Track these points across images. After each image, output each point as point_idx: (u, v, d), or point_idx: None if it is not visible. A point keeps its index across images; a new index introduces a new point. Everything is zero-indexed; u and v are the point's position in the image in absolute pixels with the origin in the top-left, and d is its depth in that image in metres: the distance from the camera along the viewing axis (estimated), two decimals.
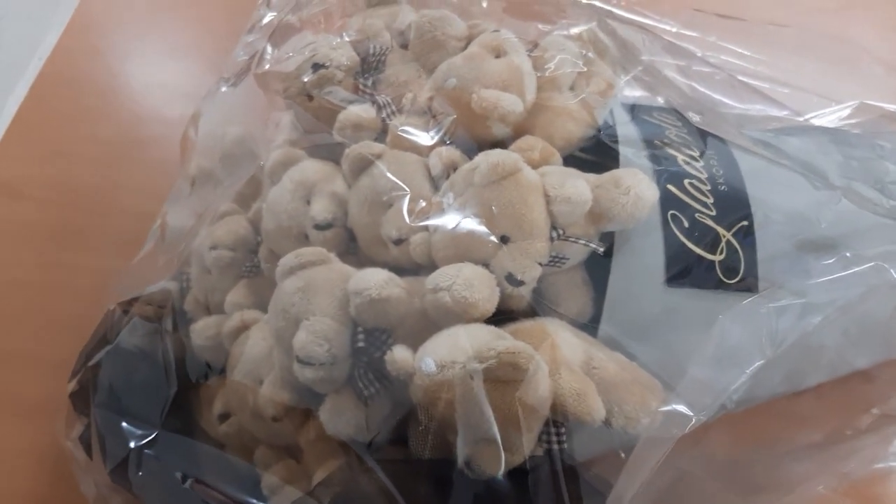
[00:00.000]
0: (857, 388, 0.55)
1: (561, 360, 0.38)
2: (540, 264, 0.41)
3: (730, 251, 0.47)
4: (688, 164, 0.49)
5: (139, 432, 0.42)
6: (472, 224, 0.40)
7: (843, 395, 0.55)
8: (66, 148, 0.77)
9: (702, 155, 0.50)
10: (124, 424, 0.43)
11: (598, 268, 0.46)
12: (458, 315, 0.39)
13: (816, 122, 0.62)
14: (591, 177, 0.43)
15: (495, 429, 0.35)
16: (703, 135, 0.52)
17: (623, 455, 0.41)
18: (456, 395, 0.35)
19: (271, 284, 0.51)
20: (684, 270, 0.45)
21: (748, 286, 0.46)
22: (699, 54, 0.59)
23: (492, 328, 0.38)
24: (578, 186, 0.40)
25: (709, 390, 0.37)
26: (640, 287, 0.45)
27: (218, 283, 0.52)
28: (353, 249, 0.49)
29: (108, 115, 0.79)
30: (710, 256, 0.46)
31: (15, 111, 0.79)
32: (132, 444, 0.42)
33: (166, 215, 0.56)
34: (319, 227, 0.47)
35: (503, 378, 0.34)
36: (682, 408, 0.36)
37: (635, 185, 0.41)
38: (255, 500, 0.41)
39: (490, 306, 0.39)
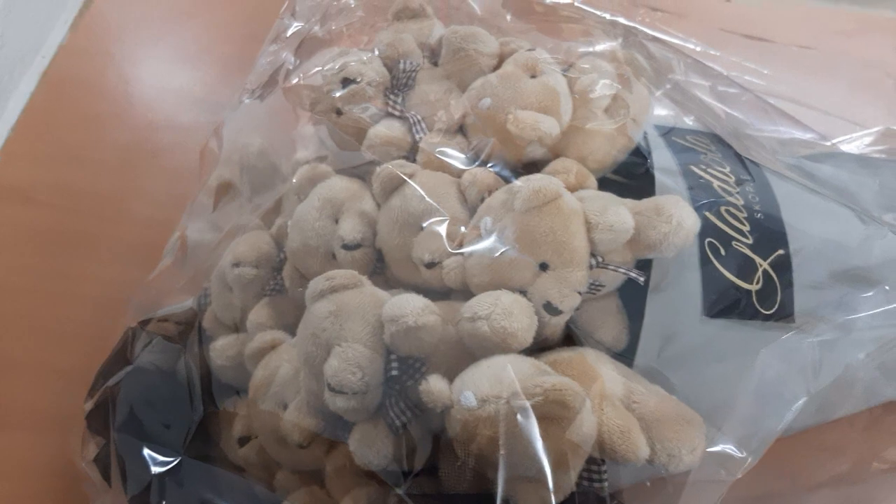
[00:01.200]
0: (885, 419, 0.54)
1: (604, 395, 0.37)
2: (579, 293, 0.40)
3: (766, 281, 0.46)
4: (724, 190, 0.48)
5: (161, 458, 0.41)
6: (510, 251, 0.39)
7: (870, 426, 0.54)
8: (75, 153, 0.75)
9: (737, 181, 0.49)
10: (146, 450, 0.41)
11: (632, 295, 0.45)
12: (495, 345, 0.38)
13: (843, 147, 0.62)
14: (630, 202, 0.42)
15: (541, 467, 0.33)
16: (737, 159, 0.51)
17: (648, 484, 0.40)
18: (500, 431, 0.34)
19: (294, 304, 0.50)
20: (721, 300, 0.44)
21: (784, 317, 0.45)
22: (725, 74, 0.58)
23: (533, 361, 0.37)
24: (621, 214, 0.39)
25: (756, 429, 0.35)
26: (677, 317, 0.44)
27: (239, 300, 0.51)
28: (380, 270, 0.47)
29: (119, 120, 0.78)
30: (746, 286, 0.45)
31: (20, 111, 0.77)
32: (154, 470, 0.40)
33: (186, 230, 0.55)
34: (348, 247, 0.46)
35: (549, 416, 0.33)
36: (731, 448, 0.35)
37: (677, 213, 0.40)
38: None
39: (529, 336, 0.38)
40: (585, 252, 0.39)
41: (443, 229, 0.41)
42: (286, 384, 0.45)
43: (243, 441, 0.48)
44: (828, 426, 0.53)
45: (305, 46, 0.60)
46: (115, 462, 0.42)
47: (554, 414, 0.33)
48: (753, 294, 0.45)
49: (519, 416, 0.33)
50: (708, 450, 0.36)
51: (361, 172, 0.50)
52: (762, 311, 0.45)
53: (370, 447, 0.40)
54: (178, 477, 0.40)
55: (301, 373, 0.43)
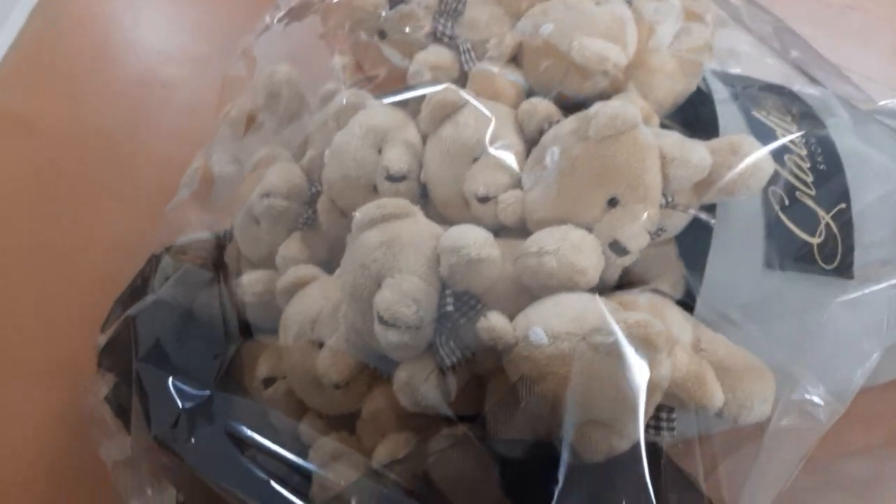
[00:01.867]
0: None
1: (675, 338, 0.34)
2: (648, 233, 0.37)
3: (828, 234, 0.44)
4: (786, 138, 0.45)
5: (190, 392, 0.38)
6: (579, 183, 0.36)
7: None
8: (82, 84, 0.71)
9: (799, 129, 0.47)
10: (173, 382, 0.38)
11: (690, 243, 0.42)
12: (560, 282, 0.35)
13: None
14: (704, 143, 0.39)
15: (615, 410, 0.31)
16: (798, 108, 0.49)
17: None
18: (573, 370, 0.31)
19: (328, 239, 0.47)
20: (784, 252, 0.42)
21: (845, 272, 0.43)
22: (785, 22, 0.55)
23: (604, 299, 0.35)
24: (699, 149, 0.37)
25: (836, 380, 0.33)
26: (739, 267, 0.41)
27: (267, 234, 0.48)
28: (423, 206, 0.44)
29: (129, 49, 0.73)
30: (809, 239, 0.43)
31: (15, 37, 0.72)
32: (183, 405, 0.37)
33: (209, 162, 0.51)
34: (393, 178, 0.43)
35: (626, 356, 0.31)
36: (818, 397, 0.33)
37: (754, 153, 0.38)
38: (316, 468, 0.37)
39: (597, 275, 0.36)
40: (659, 188, 0.37)
41: (505, 156, 0.38)
42: (322, 321, 0.42)
43: (269, 382, 0.45)
44: (859, 398, 0.51)
45: None
46: (137, 397, 0.39)
47: (637, 353, 0.31)
48: (815, 247, 0.43)
49: (597, 354, 0.31)
50: (792, 398, 0.33)
51: (402, 103, 0.47)
52: (823, 265, 0.43)
53: (417, 388, 0.37)
54: (208, 412, 0.37)
55: (341, 308, 0.41)
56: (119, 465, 0.48)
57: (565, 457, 0.33)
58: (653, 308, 0.36)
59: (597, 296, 0.35)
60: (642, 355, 0.31)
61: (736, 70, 0.53)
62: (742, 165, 0.37)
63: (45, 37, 0.73)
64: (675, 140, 0.37)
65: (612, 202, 0.37)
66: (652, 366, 0.31)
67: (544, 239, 0.35)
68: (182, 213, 0.51)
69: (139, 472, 0.44)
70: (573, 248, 0.35)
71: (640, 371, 0.31)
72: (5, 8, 0.76)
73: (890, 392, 0.52)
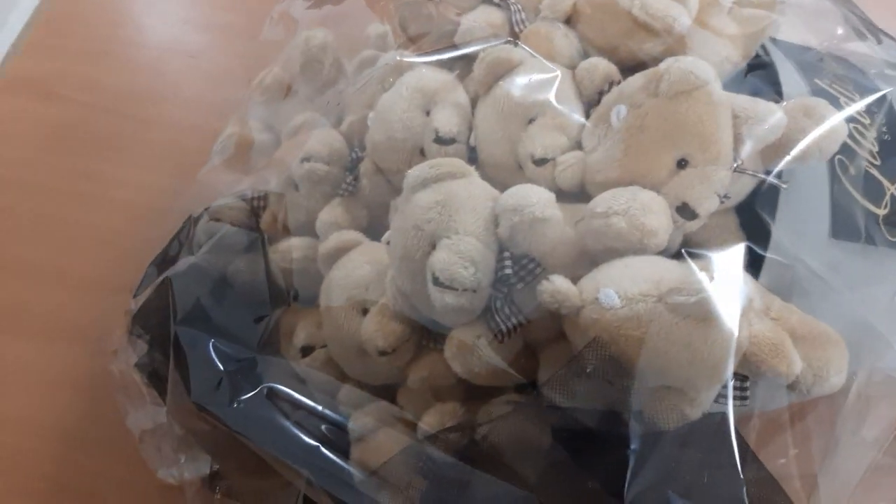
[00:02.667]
0: None
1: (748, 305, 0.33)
2: (718, 196, 0.35)
3: (893, 206, 0.42)
4: (850, 107, 0.44)
5: (232, 354, 0.36)
6: (648, 142, 0.35)
7: None
8: (103, 50, 0.69)
9: (862, 98, 0.45)
10: (213, 345, 0.36)
11: (751, 212, 0.40)
12: (629, 244, 0.33)
13: None
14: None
15: (689, 375, 0.29)
16: (859, 77, 0.47)
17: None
18: (648, 332, 0.30)
19: (369, 206, 0.46)
20: (850, 222, 0.40)
21: None
22: None
23: (677, 262, 0.33)
24: (772, 108, 0.35)
25: None
26: (804, 236, 0.40)
27: (305, 200, 0.46)
28: None
29: (152, 18, 0.71)
30: (875, 209, 0.41)
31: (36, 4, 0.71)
32: (225, 369, 0.36)
33: (245, 127, 0.50)
34: (442, 140, 0.41)
35: (709, 317, 0.29)
36: None
37: (830, 116, 0.36)
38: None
39: (666, 237, 0.34)
40: (731, 149, 0.35)
41: (568, 113, 0.37)
42: (367, 286, 0.40)
43: (306, 351, 0.43)
44: None
45: None
46: (175, 361, 0.37)
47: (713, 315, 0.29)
48: (881, 219, 0.41)
49: (675, 316, 0.29)
50: (878, 365, 0.32)
51: (448, 67, 0.45)
52: (889, 237, 0.41)
53: (471, 353, 0.35)
54: (252, 375, 0.36)
55: (389, 273, 0.39)
56: (147, 433, 0.46)
57: (635, 425, 0.31)
58: None
59: (665, 259, 0.33)
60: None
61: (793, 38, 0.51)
62: (819, 129, 0.35)
63: (68, 4, 0.72)
64: (747, 98, 0.36)
65: (682, 163, 0.35)
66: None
67: (612, 199, 0.34)
68: (214, 177, 0.49)
69: (172, 439, 0.42)
70: (643, 208, 0.33)
71: (722, 333, 0.29)
72: None
73: None
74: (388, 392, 0.43)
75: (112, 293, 0.50)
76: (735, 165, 0.36)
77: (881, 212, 0.42)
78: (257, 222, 0.47)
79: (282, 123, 0.52)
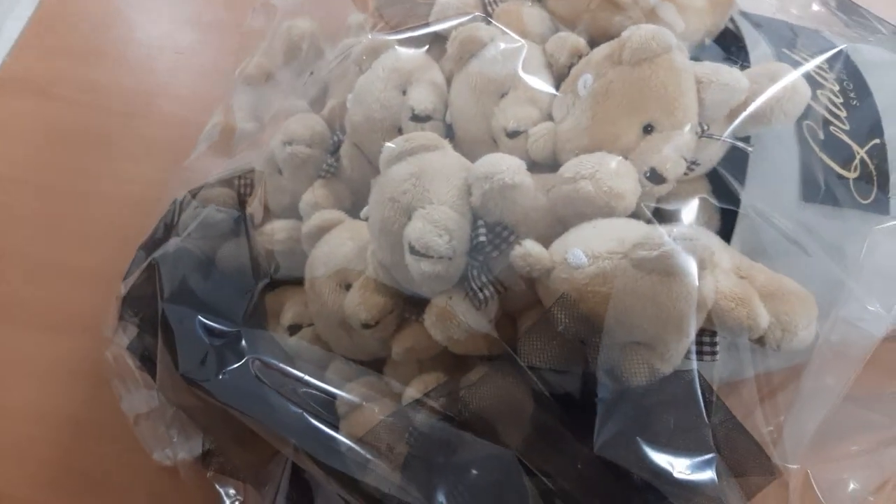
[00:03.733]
0: None
1: (715, 262, 0.33)
2: (685, 160, 0.36)
3: (863, 169, 0.43)
4: (819, 74, 0.45)
5: (218, 328, 0.37)
6: (614, 109, 0.36)
7: None
8: (96, 49, 0.70)
9: (831, 68, 0.46)
10: (200, 320, 0.37)
11: (722, 180, 0.41)
12: (598, 208, 0.34)
13: None
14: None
15: (657, 329, 0.30)
16: (827, 46, 0.48)
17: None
18: (615, 288, 0.30)
19: (352, 186, 0.47)
20: (819, 185, 0.41)
21: (881, 207, 0.43)
22: None
23: (641, 222, 0.34)
24: (735, 73, 0.36)
25: (882, 297, 0.33)
26: (775, 200, 0.41)
27: (289, 182, 0.47)
28: None
29: (144, 15, 0.73)
30: (845, 173, 0.42)
31: (36, 5, 0.72)
32: (211, 343, 0.37)
33: (229, 116, 0.51)
34: (418, 118, 0.42)
35: (671, 271, 0.30)
36: (874, 307, 0.32)
37: (792, 78, 0.37)
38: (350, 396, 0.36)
39: (634, 200, 0.35)
40: (695, 113, 0.36)
41: (537, 84, 0.38)
42: (349, 262, 0.41)
43: (294, 329, 0.44)
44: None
45: None
46: (163, 338, 0.38)
47: (678, 269, 0.30)
48: (851, 182, 0.42)
49: (639, 272, 0.30)
50: (841, 314, 0.33)
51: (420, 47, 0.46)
52: (859, 199, 0.42)
53: (451, 320, 0.36)
54: (237, 347, 0.37)
55: (370, 247, 0.40)
56: (142, 417, 0.47)
57: (604, 378, 0.32)
58: None
59: (632, 220, 0.34)
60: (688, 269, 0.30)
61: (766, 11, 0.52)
62: (778, 88, 0.36)
63: (63, 5, 0.73)
64: (709, 65, 0.36)
65: (648, 129, 0.36)
66: (699, 280, 0.30)
67: (580, 164, 0.35)
68: (201, 164, 0.50)
69: (164, 419, 0.43)
70: (610, 172, 0.34)
71: (685, 286, 0.30)
72: None
73: None
74: (375, 366, 0.44)
75: (108, 283, 0.51)
76: (703, 130, 0.37)
77: (851, 175, 0.42)
78: (242, 205, 0.48)
79: (265, 110, 0.53)
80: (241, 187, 0.51)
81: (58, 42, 0.70)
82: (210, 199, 0.44)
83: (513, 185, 0.34)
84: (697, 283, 0.30)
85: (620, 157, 0.35)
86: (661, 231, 0.31)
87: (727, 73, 0.36)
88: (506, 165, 0.34)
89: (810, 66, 0.41)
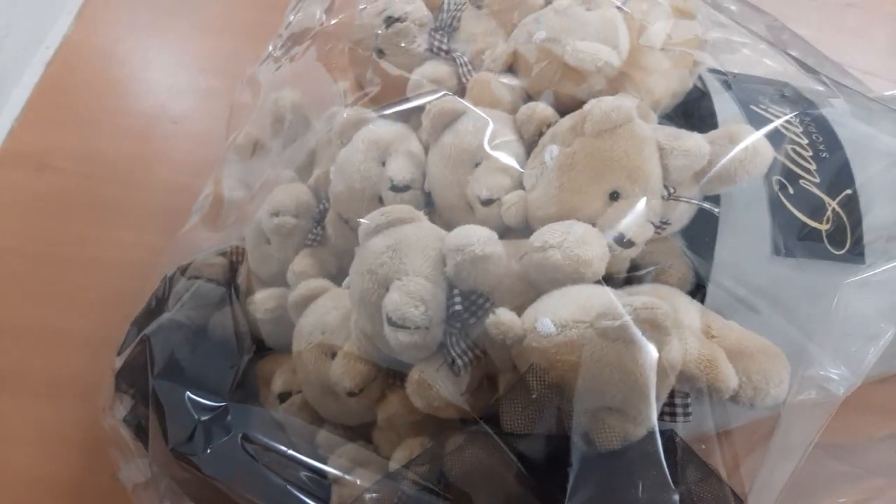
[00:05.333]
0: None
1: (684, 324, 0.34)
2: (652, 224, 0.37)
3: (836, 220, 0.44)
4: (787, 129, 0.46)
5: (206, 404, 0.38)
6: (580, 178, 0.37)
7: None
8: (94, 120, 0.73)
9: (800, 121, 0.47)
10: (189, 395, 0.38)
11: (696, 237, 0.42)
12: (567, 275, 0.35)
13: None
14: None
15: (626, 395, 0.31)
16: (796, 99, 0.49)
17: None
18: (582, 356, 0.31)
19: (337, 254, 0.48)
20: (791, 239, 0.42)
21: (856, 256, 0.43)
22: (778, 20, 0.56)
23: (610, 289, 0.35)
24: (696, 138, 0.37)
25: (849, 354, 0.33)
26: (746, 256, 0.42)
27: (277, 252, 0.48)
28: (428, 214, 0.45)
29: (139, 86, 0.75)
30: (817, 226, 0.43)
31: (37, 80, 0.75)
32: (199, 418, 0.38)
33: (219, 186, 0.53)
34: (397, 188, 0.43)
35: (634, 339, 0.31)
36: (833, 371, 0.32)
37: (752, 140, 0.38)
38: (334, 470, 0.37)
39: (603, 266, 0.36)
40: (659, 179, 0.37)
41: (503, 156, 0.39)
42: (334, 331, 0.42)
43: (284, 397, 0.45)
44: (878, 388, 0.51)
45: (337, 4, 0.58)
46: (154, 412, 0.40)
47: (644, 335, 0.31)
48: (824, 234, 0.43)
49: (604, 340, 0.31)
50: (808, 373, 0.33)
51: (403, 118, 0.48)
52: (833, 251, 0.43)
53: (430, 389, 0.37)
54: (224, 422, 0.38)
55: (352, 316, 0.41)
56: (139, 487, 0.48)
57: (578, 444, 0.32)
58: (659, 295, 0.36)
59: (601, 286, 0.35)
60: (650, 337, 0.30)
61: (734, 69, 0.54)
62: (737, 150, 0.38)
63: (64, 76, 0.76)
64: (671, 131, 0.38)
65: (614, 195, 0.37)
66: (660, 348, 0.31)
67: (548, 234, 0.36)
68: (193, 235, 0.52)
69: (158, 490, 0.44)
70: (577, 240, 0.35)
71: (648, 353, 0.31)
72: (27, 55, 0.79)
73: None
74: (364, 431, 0.44)
75: (107, 350, 0.52)
76: (669, 193, 0.39)
77: (823, 227, 0.43)
78: (233, 276, 0.49)
79: (255, 180, 0.55)
80: (233, 255, 0.52)
81: (54, 115, 0.73)
82: (203, 273, 0.45)
83: (483, 256, 0.35)
84: (659, 350, 0.30)
85: (588, 225, 0.36)
86: (624, 300, 0.32)
87: (688, 140, 0.37)
88: (476, 237, 0.36)
89: (777, 122, 0.43)
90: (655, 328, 0.31)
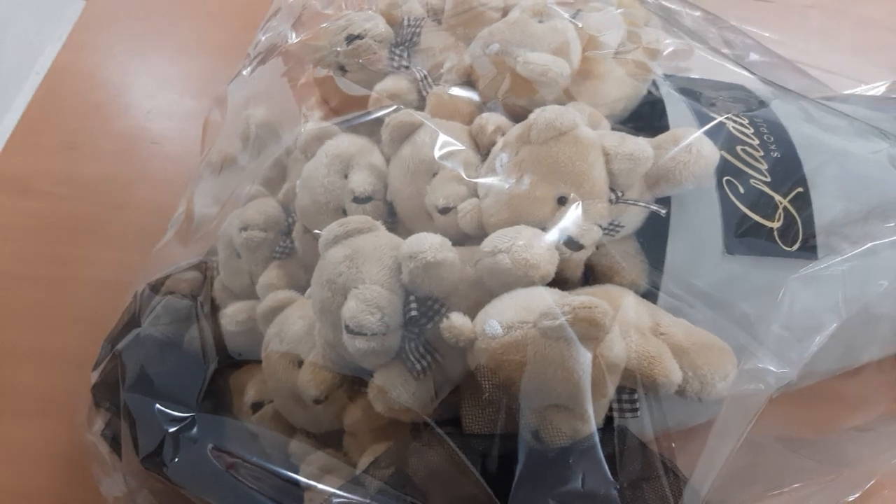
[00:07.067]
0: None
1: (631, 322, 0.35)
2: (600, 227, 0.39)
3: (787, 218, 0.45)
4: (738, 130, 0.47)
5: (175, 415, 0.39)
6: (527, 185, 0.38)
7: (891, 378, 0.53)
8: (77, 143, 0.74)
9: (751, 122, 0.48)
10: (158, 407, 0.40)
11: (650, 238, 0.44)
12: (517, 278, 0.36)
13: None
14: (646, 138, 0.41)
15: (571, 392, 0.32)
16: (748, 101, 0.50)
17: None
18: (527, 356, 0.33)
19: (305, 265, 0.49)
20: (743, 237, 0.43)
21: (807, 253, 0.45)
22: (736, 25, 0.58)
23: (557, 290, 0.36)
24: (640, 143, 0.39)
25: (791, 348, 0.34)
26: (698, 255, 0.43)
27: (248, 265, 0.50)
28: (391, 224, 0.46)
29: (120, 109, 0.77)
30: (767, 223, 0.44)
31: (25, 107, 0.77)
32: (167, 429, 0.39)
33: (191, 202, 0.54)
34: (359, 199, 0.45)
35: (579, 336, 0.32)
36: (769, 365, 0.34)
37: (696, 143, 0.40)
38: (300, 478, 0.38)
39: (551, 269, 0.37)
40: (605, 183, 0.39)
41: (457, 165, 0.40)
42: (300, 340, 0.43)
43: (256, 407, 0.46)
44: (848, 381, 0.52)
45: (304, 20, 0.59)
46: (126, 424, 0.41)
47: (583, 333, 0.32)
48: (775, 231, 0.44)
49: (547, 339, 0.32)
50: (744, 367, 0.34)
51: (367, 131, 0.49)
52: (784, 247, 0.44)
53: (389, 393, 0.38)
54: (192, 433, 0.39)
55: (316, 325, 0.42)
56: (120, 500, 0.49)
57: (530, 441, 0.33)
58: (607, 295, 0.37)
59: (548, 288, 0.36)
60: (589, 335, 0.32)
61: (692, 74, 0.55)
62: (677, 150, 0.39)
63: (47, 106, 0.78)
64: (617, 136, 0.39)
65: (562, 200, 0.39)
66: (598, 345, 0.32)
67: (497, 239, 0.37)
68: (168, 251, 0.53)
69: (136, 503, 0.45)
70: (525, 245, 0.36)
71: (587, 351, 0.32)
72: (18, 81, 0.81)
73: (875, 375, 0.53)
74: (335, 438, 0.45)
75: (89, 367, 0.53)
76: (617, 197, 0.40)
77: (774, 225, 0.44)
78: (210, 289, 0.50)
79: (225, 195, 0.56)
80: (207, 270, 0.54)
81: (36, 139, 0.74)
82: (176, 284, 0.47)
83: (435, 262, 0.36)
84: (598, 347, 0.32)
85: (536, 229, 0.38)
86: (564, 300, 0.33)
87: (631, 144, 0.38)
88: (428, 244, 0.37)
89: (724, 123, 0.44)
90: (593, 325, 0.32)
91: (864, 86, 0.65)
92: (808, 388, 0.48)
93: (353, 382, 0.42)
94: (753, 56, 0.60)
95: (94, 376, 0.47)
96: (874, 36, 0.75)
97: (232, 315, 0.48)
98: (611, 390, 0.34)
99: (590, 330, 0.32)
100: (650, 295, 0.42)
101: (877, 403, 0.52)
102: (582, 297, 0.33)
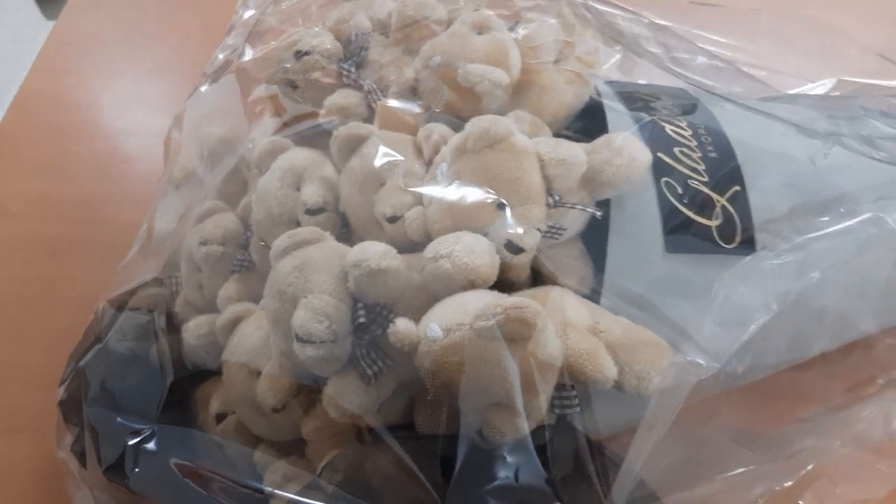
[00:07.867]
0: (859, 360, 0.54)
1: (567, 321, 0.37)
2: (539, 230, 0.40)
3: (725, 216, 0.46)
4: (676, 133, 0.49)
5: (135, 427, 0.41)
6: (467, 192, 0.40)
7: (845, 369, 0.54)
8: (49, 164, 0.76)
9: (689, 125, 0.50)
10: (119, 420, 0.41)
11: (595, 240, 0.45)
12: (459, 282, 0.38)
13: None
14: (583, 144, 0.43)
15: (508, 390, 0.34)
16: (688, 106, 0.52)
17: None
18: (465, 357, 0.34)
19: (263, 278, 0.50)
20: (682, 236, 0.45)
21: (746, 250, 0.46)
22: (677, 31, 0.59)
23: (496, 292, 0.37)
24: (572, 148, 0.40)
25: (722, 343, 0.36)
26: (639, 254, 0.44)
27: (208, 279, 0.51)
28: (345, 235, 0.48)
29: (91, 130, 0.78)
30: (706, 222, 0.46)
31: None
32: (128, 441, 0.40)
33: (153, 219, 0.55)
34: (311, 211, 0.46)
35: (511, 336, 0.34)
36: (698, 358, 0.35)
37: (628, 146, 0.41)
38: (258, 485, 0.39)
39: (492, 272, 0.38)
40: (541, 188, 0.40)
41: (399, 175, 0.42)
42: (257, 351, 0.45)
43: (220, 418, 0.48)
44: (802, 374, 0.53)
45: (259, 35, 0.61)
46: (90, 436, 0.42)
47: (515, 332, 0.33)
48: (713, 229, 0.46)
49: (482, 340, 0.34)
50: (675, 361, 0.36)
51: (319, 144, 0.51)
52: (723, 245, 0.46)
53: (343, 398, 0.40)
54: (151, 445, 0.40)
55: (271, 336, 0.43)
56: None
57: (474, 439, 0.35)
58: (545, 297, 0.38)
59: (489, 291, 0.37)
60: (520, 334, 0.33)
61: (638, 80, 0.57)
62: (609, 153, 0.40)
63: (18, 128, 0.79)
64: (552, 142, 0.41)
65: (501, 206, 0.40)
66: (530, 344, 0.33)
67: (439, 245, 0.38)
68: (132, 267, 0.55)
69: None
70: (465, 249, 0.38)
71: (520, 350, 0.33)
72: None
73: (830, 366, 0.54)
74: (298, 446, 0.47)
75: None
76: (555, 201, 0.41)
77: (713, 223, 0.46)
78: (170, 304, 0.51)
79: (189, 211, 0.57)
80: (172, 286, 0.55)
81: (9, 162, 0.75)
82: (138, 300, 0.48)
83: (379, 269, 0.38)
84: (529, 346, 0.33)
85: (477, 235, 0.39)
86: (496, 301, 0.34)
87: (565, 150, 0.40)
88: (372, 252, 0.38)
89: (668, 128, 0.45)
90: (524, 325, 0.33)
91: (810, 84, 0.67)
92: (760, 382, 0.50)
93: (311, 391, 0.44)
94: (699, 60, 0.61)
95: (61, 392, 0.48)
96: (823, 37, 0.77)
97: (194, 329, 0.49)
98: (547, 388, 0.35)
99: (521, 329, 0.33)
100: (594, 295, 0.44)
101: (828, 395, 0.54)
102: (514, 298, 0.34)
